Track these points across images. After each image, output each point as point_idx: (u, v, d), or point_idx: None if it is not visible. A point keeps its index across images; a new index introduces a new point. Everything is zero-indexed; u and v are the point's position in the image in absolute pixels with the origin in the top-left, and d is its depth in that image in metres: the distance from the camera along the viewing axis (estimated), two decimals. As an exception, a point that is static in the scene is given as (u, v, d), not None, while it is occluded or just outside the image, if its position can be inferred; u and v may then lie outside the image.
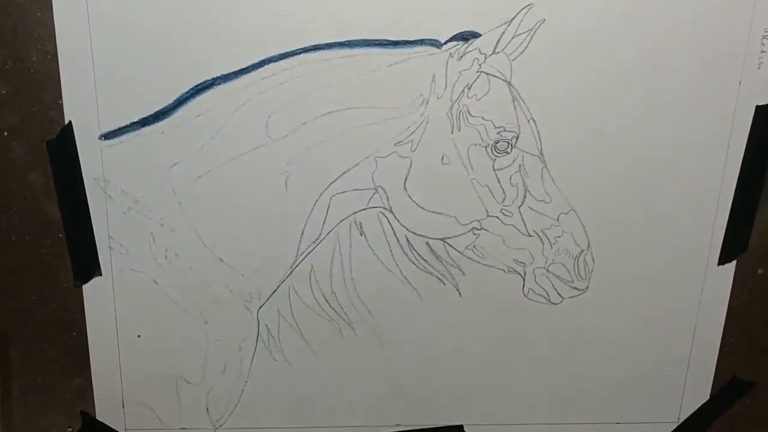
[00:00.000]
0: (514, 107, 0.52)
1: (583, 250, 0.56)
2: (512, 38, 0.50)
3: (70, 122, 0.51)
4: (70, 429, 0.60)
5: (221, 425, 0.60)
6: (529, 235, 0.55)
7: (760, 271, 0.58)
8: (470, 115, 0.52)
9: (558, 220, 0.55)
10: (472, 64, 0.51)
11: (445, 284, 0.57)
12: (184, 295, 0.56)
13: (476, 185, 0.54)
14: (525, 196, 0.54)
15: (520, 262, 0.56)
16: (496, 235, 0.55)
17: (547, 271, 0.56)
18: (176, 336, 0.57)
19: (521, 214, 0.54)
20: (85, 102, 0.51)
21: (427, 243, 0.55)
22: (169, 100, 0.51)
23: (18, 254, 0.55)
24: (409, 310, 0.57)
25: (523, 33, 0.50)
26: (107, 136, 0.52)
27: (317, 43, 0.50)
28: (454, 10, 0.50)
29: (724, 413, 0.62)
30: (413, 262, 0.56)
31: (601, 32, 0.51)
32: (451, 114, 0.52)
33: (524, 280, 0.57)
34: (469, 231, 0.55)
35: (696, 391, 0.61)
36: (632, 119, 0.53)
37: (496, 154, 0.53)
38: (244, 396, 0.59)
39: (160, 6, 0.49)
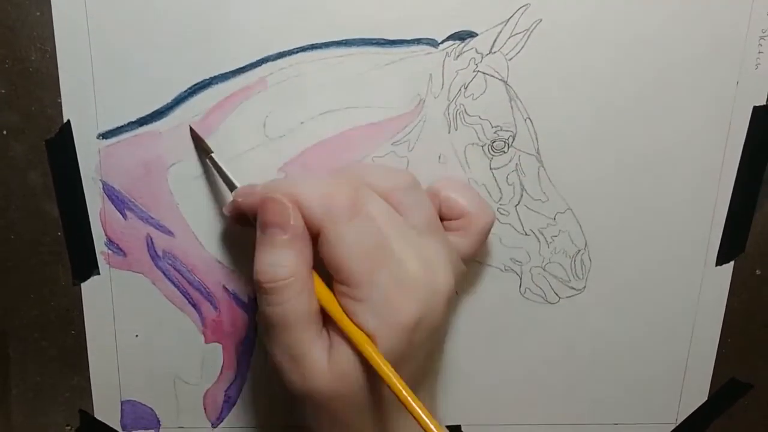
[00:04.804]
0: (511, 107, 0.52)
1: (580, 250, 0.56)
2: (509, 38, 0.50)
3: (68, 121, 0.52)
4: (69, 427, 0.60)
5: (219, 424, 0.60)
6: (526, 234, 0.55)
7: (758, 271, 0.58)
8: (467, 114, 0.52)
9: (555, 219, 0.55)
10: (469, 64, 0.51)
11: (442, 284, 0.57)
12: (181, 295, 0.56)
13: (473, 184, 0.54)
14: (522, 195, 0.54)
15: (517, 261, 0.56)
16: (492, 234, 0.55)
17: (544, 270, 0.56)
18: (174, 336, 0.57)
19: (518, 213, 0.54)
20: (84, 101, 0.51)
21: (424, 242, 0.55)
22: (167, 100, 0.51)
23: (17, 252, 0.55)
24: (407, 309, 0.57)
25: (520, 33, 0.50)
26: (105, 135, 0.52)
27: (314, 42, 0.50)
28: (451, 10, 0.50)
29: (722, 414, 0.62)
30: (410, 262, 0.56)
31: (597, 32, 0.51)
32: (448, 113, 0.52)
33: (521, 279, 0.57)
34: (466, 230, 0.55)
35: (694, 392, 0.61)
36: (629, 119, 0.53)
37: (492, 153, 0.53)
38: (242, 395, 0.59)
39: (158, 5, 0.49)
